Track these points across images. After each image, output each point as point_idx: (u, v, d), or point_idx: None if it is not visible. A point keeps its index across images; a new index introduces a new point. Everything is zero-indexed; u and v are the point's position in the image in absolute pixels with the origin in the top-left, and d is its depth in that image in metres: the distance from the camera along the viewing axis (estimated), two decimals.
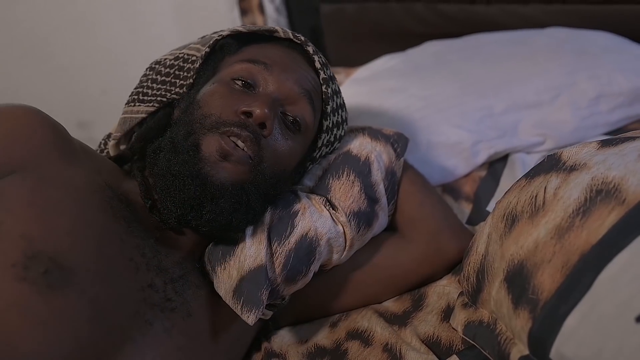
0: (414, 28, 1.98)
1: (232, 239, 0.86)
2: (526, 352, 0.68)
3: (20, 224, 0.68)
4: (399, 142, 1.04)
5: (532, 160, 1.26)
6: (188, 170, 0.79)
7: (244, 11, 2.44)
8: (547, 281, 0.66)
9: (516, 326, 0.70)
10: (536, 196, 0.73)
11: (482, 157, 1.27)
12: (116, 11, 2.56)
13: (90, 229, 0.74)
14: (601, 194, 0.67)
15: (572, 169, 0.73)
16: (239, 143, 0.80)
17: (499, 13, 1.78)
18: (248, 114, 0.82)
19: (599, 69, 1.33)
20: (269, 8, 2.36)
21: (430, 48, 1.65)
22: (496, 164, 1.29)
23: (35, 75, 2.61)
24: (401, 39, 1.93)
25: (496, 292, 0.74)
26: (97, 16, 2.57)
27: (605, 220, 0.65)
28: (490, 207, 1.15)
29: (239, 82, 0.86)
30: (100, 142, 1.02)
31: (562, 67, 1.35)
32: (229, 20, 2.46)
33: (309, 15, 2.33)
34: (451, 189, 1.25)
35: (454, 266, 1.02)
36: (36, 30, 2.55)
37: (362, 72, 1.67)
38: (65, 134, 0.82)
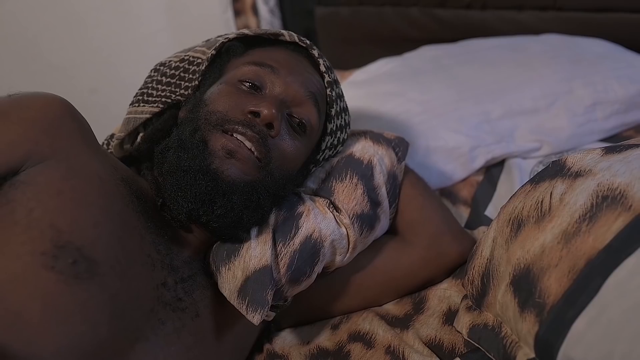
0: (409, 33, 1.99)
1: (236, 239, 0.86)
2: (532, 355, 0.69)
3: (49, 213, 0.68)
4: (400, 146, 1.05)
5: (529, 165, 1.28)
6: (198, 165, 0.79)
7: (237, 12, 2.44)
8: (553, 285, 0.67)
9: (522, 330, 0.70)
10: (542, 201, 0.74)
11: (479, 162, 1.28)
12: (107, 10, 2.54)
13: (114, 223, 0.74)
14: (607, 200, 0.68)
15: (578, 175, 0.74)
16: (246, 143, 0.80)
17: (493, 19, 1.80)
18: (255, 114, 0.82)
19: (595, 76, 1.34)
20: (263, 9, 2.35)
21: (427, 52, 1.66)
22: (493, 169, 1.30)
23: (24, 74, 2.58)
24: (395, 43, 1.94)
25: (502, 296, 0.75)
26: (87, 15, 2.55)
27: (611, 226, 0.66)
28: (488, 212, 1.16)
29: (246, 84, 0.87)
30: (103, 143, 1.02)
31: (558, 74, 1.36)
32: (222, 21, 2.45)
33: (303, 17, 2.33)
34: (449, 193, 1.26)
35: (454, 269, 1.02)
36: (25, 29, 2.53)
37: (359, 74, 1.68)
38: (88, 126, 0.82)
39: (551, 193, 0.74)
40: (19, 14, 2.50)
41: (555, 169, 0.78)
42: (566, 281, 0.66)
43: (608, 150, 0.77)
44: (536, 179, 0.79)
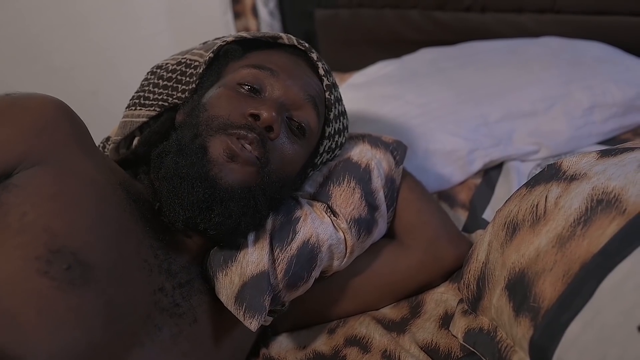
0: (408, 35, 1.99)
1: (234, 244, 0.85)
2: (527, 359, 0.69)
3: (43, 217, 0.67)
4: (398, 149, 1.05)
5: (527, 168, 1.28)
6: (196, 172, 0.77)
7: (237, 14, 2.44)
8: (548, 289, 0.67)
9: (517, 334, 0.70)
10: (537, 205, 0.74)
11: (477, 165, 1.28)
12: (108, 12, 2.55)
13: (110, 227, 0.73)
14: (602, 203, 0.68)
15: (573, 178, 0.74)
16: (246, 146, 0.80)
17: (493, 21, 1.80)
18: (255, 117, 0.82)
19: (593, 80, 1.35)
20: (263, 12, 2.36)
21: (426, 55, 1.67)
22: (491, 172, 1.30)
23: (25, 75, 2.58)
24: (395, 46, 1.94)
25: (497, 300, 0.75)
26: (89, 17, 2.55)
27: (606, 229, 0.65)
28: (486, 215, 1.17)
29: (246, 87, 0.86)
30: (99, 145, 1.02)
31: (557, 77, 1.37)
32: (222, 23, 2.46)
33: (303, 19, 2.33)
34: (447, 196, 1.26)
35: (451, 273, 1.03)
36: (27, 31, 2.52)
37: (358, 77, 1.68)
38: (85, 129, 0.81)
39: (546, 197, 0.74)
40: (20, 16, 2.50)
41: (551, 173, 0.78)
42: (561, 285, 0.66)
43: (603, 154, 0.77)
44: (531, 183, 0.80)
